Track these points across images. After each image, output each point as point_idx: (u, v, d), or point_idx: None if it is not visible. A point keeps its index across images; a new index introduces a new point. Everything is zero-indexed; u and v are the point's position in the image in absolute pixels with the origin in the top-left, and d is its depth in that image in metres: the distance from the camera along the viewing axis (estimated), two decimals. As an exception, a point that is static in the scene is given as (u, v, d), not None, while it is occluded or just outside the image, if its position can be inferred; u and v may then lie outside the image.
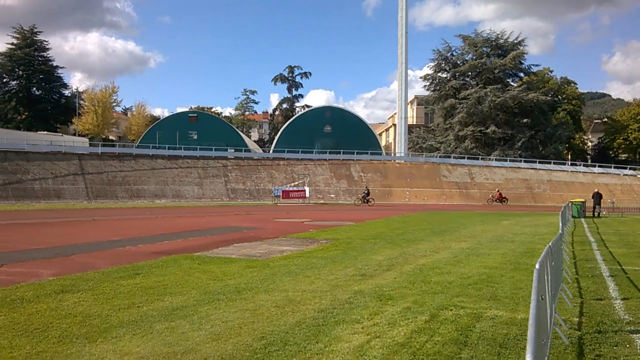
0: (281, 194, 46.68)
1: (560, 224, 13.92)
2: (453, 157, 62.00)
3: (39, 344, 5.44)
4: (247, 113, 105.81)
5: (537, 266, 4.41)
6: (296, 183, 51.69)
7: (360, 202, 45.16)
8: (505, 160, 60.33)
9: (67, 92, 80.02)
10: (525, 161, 59.69)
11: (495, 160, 61.04)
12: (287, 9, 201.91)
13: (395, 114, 73.86)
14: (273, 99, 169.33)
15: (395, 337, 5.82)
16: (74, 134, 72.41)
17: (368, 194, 45.51)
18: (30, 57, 72.57)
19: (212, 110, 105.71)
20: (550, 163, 59.56)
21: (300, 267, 10.78)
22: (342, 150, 60.72)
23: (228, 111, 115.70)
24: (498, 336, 5.90)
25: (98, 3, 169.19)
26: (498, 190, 52.80)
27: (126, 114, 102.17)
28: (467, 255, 12.88)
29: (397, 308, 7.21)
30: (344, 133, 68.44)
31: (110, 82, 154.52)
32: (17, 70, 72.54)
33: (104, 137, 74.10)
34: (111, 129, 79.90)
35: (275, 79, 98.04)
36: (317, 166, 58.10)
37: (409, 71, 65.68)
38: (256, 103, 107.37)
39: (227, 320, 6.46)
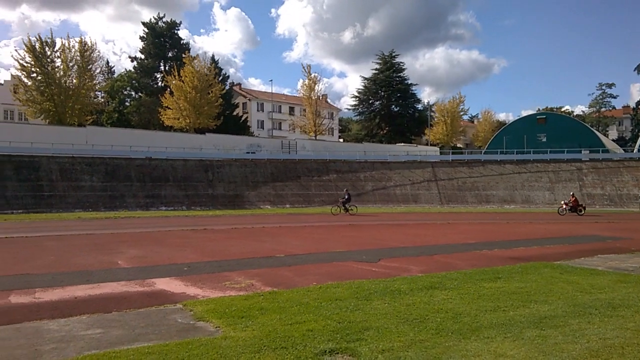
0: (653, 200, 39.60)
1: None
2: None
3: (420, 333, 6.09)
4: (602, 109, 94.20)
5: None
6: (674, 187, 43.01)
7: (338, 210, 34.43)
8: None
9: (419, 106, 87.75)
10: None
11: None
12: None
13: None
14: (634, 91, 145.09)
15: None
16: (426, 144, 78.48)
17: (349, 199, 34.87)
18: (390, 78, 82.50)
19: (562, 110, 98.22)
20: None
21: (694, 288, 8.94)
22: None
23: (580, 109, 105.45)
24: None
25: (443, 19, 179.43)
26: (573, 195, 36.49)
27: (472, 122, 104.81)
28: None
29: None
30: None
31: (456, 92, 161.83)
32: (380, 91, 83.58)
33: (452, 145, 77.87)
34: (459, 137, 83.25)
35: (638, 68, 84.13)
36: None
37: None
38: (614, 97, 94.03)
39: (605, 338, 5.89)
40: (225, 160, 48.82)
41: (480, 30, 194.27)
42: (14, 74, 50.68)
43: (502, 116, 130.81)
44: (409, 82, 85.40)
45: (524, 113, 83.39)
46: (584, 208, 35.22)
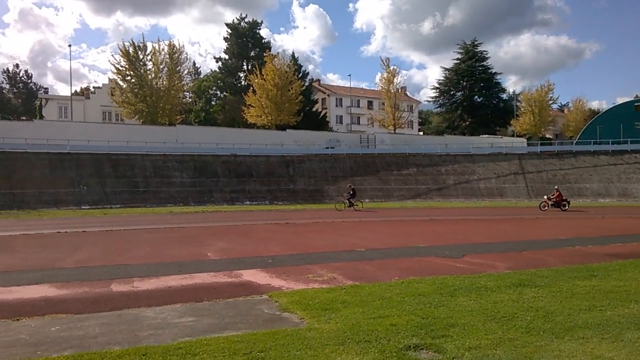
0: None
1: None
2: None
3: (509, 331, 5.89)
4: None
5: None
6: None
7: (344, 206, 33.39)
8: None
9: (504, 96, 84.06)
10: None
11: None
12: None
13: None
14: None
15: None
16: (512, 135, 75.10)
17: (354, 194, 33.62)
18: (472, 68, 79.70)
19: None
20: None
21: None
22: None
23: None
24: None
25: (529, 4, 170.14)
26: (557, 189, 33.18)
27: (562, 111, 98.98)
28: None
29: None
30: None
31: (544, 80, 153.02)
32: (461, 82, 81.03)
33: (540, 136, 73.94)
34: (547, 127, 78.84)
35: None
36: None
37: None
38: None
39: None
40: (305, 155, 49.57)
41: (570, 13, 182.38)
42: (110, 77, 54.50)
43: (595, 104, 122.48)
44: (493, 71, 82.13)
45: (620, 100, 77.44)
46: (568, 203, 32.32)
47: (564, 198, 32.52)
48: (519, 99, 78.06)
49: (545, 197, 33.27)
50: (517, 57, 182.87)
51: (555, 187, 34.68)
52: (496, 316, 6.56)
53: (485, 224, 22.55)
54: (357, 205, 33.44)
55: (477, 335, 5.70)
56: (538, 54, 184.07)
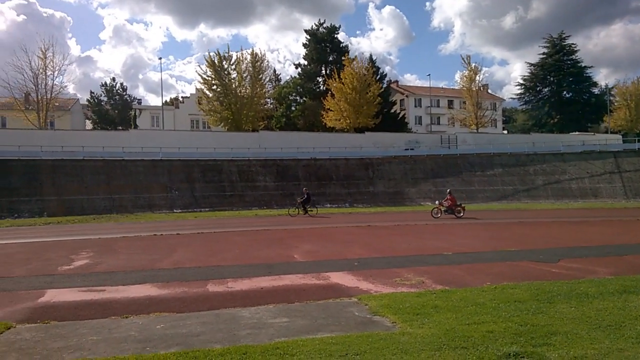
0: None
1: None
2: None
3: (617, 341, 5.55)
4: None
5: None
6: None
7: (297, 211, 31.53)
8: None
9: (595, 91, 78.98)
10: None
11: None
12: None
13: None
14: None
15: None
16: (605, 132, 70.33)
17: (308, 199, 31.62)
18: (560, 62, 75.65)
19: None
20: None
21: None
22: None
23: None
24: None
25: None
26: (450, 193, 28.50)
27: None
28: None
29: None
30: None
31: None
32: (548, 77, 77.12)
33: (637, 132, 68.62)
34: (648, 122, 73.04)
35: None
36: None
37: None
38: None
39: None
40: (384, 158, 49.28)
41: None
42: (197, 87, 57.18)
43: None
44: (583, 64, 77.40)
45: None
46: (463, 209, 27.59)
47: (458, 203, 28.09)
48: (613, 93, 73.09)
49: (437, 202, 29.21)
50: (608, 48, 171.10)
51: (448, 190, 30.53)
52: (601, 325, 6.21)
53: (579, 227, 21.30)
54: (311, 210, 32.07)
55: (582, 345, 5.43)
56: (632, 44, 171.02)
